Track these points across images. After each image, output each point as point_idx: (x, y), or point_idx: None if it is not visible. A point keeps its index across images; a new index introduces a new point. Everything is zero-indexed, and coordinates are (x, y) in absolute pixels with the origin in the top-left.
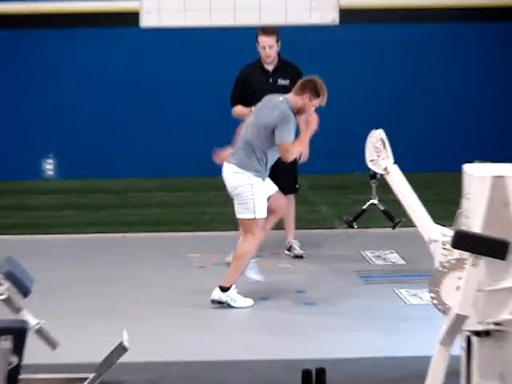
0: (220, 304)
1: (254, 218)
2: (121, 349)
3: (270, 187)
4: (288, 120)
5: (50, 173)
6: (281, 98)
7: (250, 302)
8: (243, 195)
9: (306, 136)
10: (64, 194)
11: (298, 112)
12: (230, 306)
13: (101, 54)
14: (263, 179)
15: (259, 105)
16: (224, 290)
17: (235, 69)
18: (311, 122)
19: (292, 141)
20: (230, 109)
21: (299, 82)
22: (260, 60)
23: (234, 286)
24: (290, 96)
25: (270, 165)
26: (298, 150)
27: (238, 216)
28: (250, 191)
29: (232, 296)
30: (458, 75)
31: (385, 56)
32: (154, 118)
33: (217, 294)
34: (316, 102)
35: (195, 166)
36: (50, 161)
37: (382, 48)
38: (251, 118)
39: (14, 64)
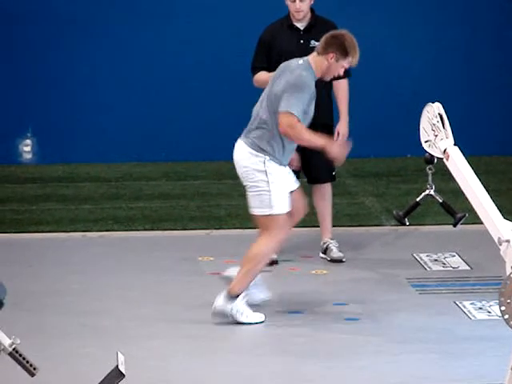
0: (223, 318)
1: (270, 215)
2: (116, 374)
3: (291, 180)
4: (302, 87)
5: (28, 157)
6: (300, 61)
7: (260, 316)
8: (256, 185)
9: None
10: (44, 183)
11: (323, 76)
12: (235, 322)
13: None
14: (283, 165)
15: (275, 72)
16: (232, 297)
17: (257, 30)
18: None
19: (300, 115)
20: (252, 76)
21: (322, 39)
22: (288, 16)
23: (242, 295)
24: (311, 57)
25: (290, 148)
26: (309, 135)
27: (252, 211)
28: (265, 180)
29: (239, 308)
30: None
31: (445, 8)
32: (154, 89)
33: (220, 303)
34: (345, 63)
35: (207, 148)
36: (27, 142)
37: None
38: (266, 88)
39: None
